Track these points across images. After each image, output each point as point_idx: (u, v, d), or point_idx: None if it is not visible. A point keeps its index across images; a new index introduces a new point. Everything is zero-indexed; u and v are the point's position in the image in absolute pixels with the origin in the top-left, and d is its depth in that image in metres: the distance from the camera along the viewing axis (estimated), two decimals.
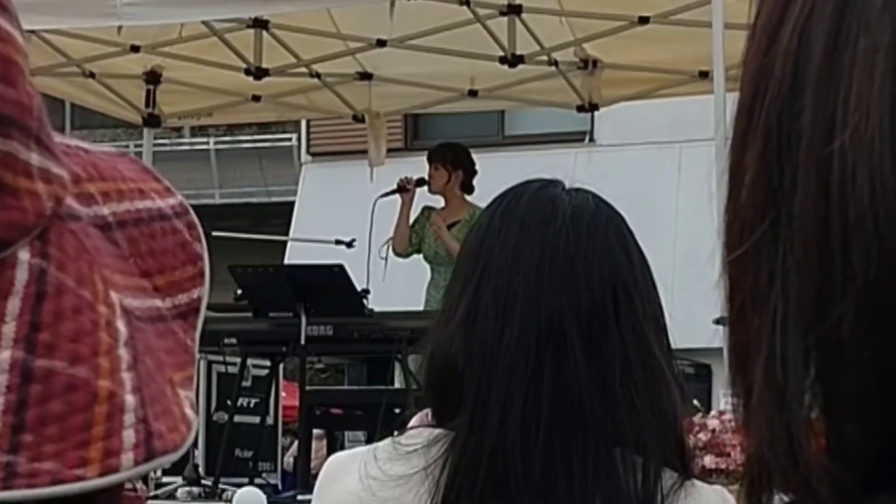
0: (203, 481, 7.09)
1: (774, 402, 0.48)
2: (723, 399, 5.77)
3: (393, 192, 7.61)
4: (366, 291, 7.21)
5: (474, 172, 7.61)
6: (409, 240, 7.59)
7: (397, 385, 7.31)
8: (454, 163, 7.59)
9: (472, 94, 8.24)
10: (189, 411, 0.66)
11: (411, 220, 7.68)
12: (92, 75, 7.85)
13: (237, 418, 7.51)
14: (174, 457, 0.64)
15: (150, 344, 0.66)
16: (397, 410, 6.10)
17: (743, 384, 0.49)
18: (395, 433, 1.65)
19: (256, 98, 8.27)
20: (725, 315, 0.51)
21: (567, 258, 1.60)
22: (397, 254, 7.66)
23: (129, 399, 0.62)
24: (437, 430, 1.59)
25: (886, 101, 0.45)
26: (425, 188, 7.63)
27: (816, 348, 0.47)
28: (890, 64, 0.45)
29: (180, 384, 0.67)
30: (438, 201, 7.70)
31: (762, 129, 0.49)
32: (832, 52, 0.47)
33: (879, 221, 0.45)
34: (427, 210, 7.64)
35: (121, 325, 0.64)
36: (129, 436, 0.62)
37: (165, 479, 7.60)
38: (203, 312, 0.73)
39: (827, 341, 0.47)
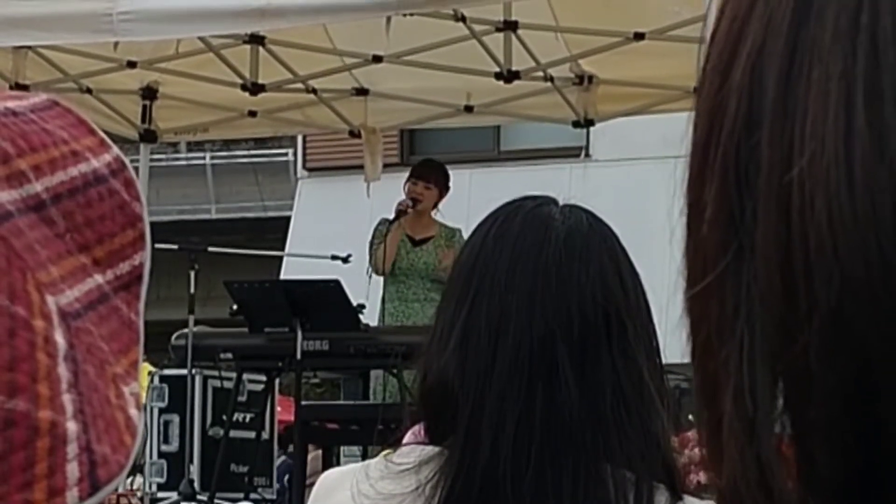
0: (199, 496, 7.08)
1: (745, 431, 0.48)
2: None
3: (397, 219, 7.59)
4: (361, 306, 7.21)
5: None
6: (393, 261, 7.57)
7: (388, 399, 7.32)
8: (445, 184, 7.62)
9: (468, 109, 8.24)
10: (133, 412, 0.64)
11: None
12: (88, 91, 7.86)
13: (233, 433, 7.50)
14: (118, 482, 0.62)
15: (91, 341, 0.64)
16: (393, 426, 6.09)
17: (712, 418, 0.50)
18: (389, 450, 1.66)
19: (253, 113, 8.28)
20: (689, 352, 0.51)
21: (560, 283, 1.60)
22: (379, 273, 7.56)
23: (72, 426, 0.60)
24: (429, 449, 1.60)
25: (841, 128, 0.46)
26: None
27: (784, 376, 0.48)
28: (843, 92, 0.46)
29: (125, 376, 0.65)
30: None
31: (720, 164, 0.49)
32: (786, 83, 0.48)
33: (838, 248, 0.46)
34: (387, 222, 7.58)
35: (59, 337, 0.62)
36: (72, 470, 0.59)
37: (161, 495, 7.60)
38: (146, 279, 0.70)
39: (794, 369, 0.47)
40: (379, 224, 7.65)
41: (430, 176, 7.59)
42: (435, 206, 7.60)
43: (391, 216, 7.53)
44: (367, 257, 7.60)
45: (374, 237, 7.64)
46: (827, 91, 0.46)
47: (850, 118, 0.46)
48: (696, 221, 0.51)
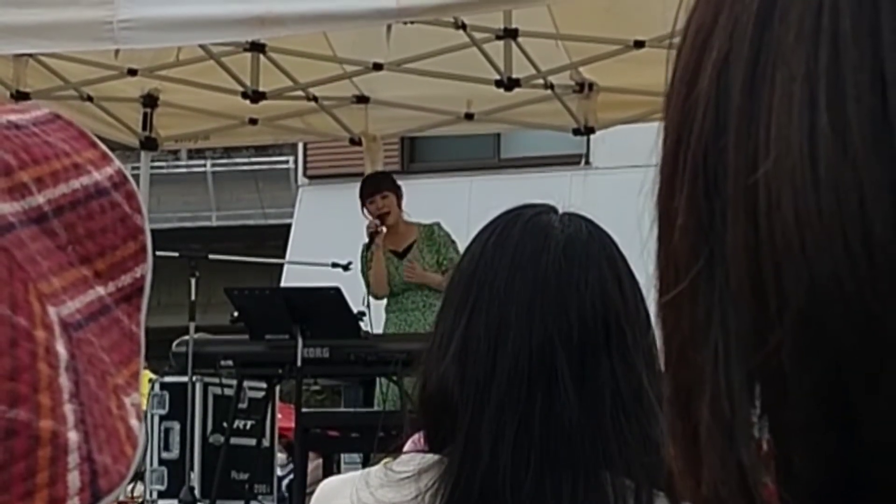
0: None
1: (724, 437, 0.48)
2: None
3: (371, 242, 7.57)
4: (362, 314, 7.22)
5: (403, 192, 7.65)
6: (388, 280, 7.56)
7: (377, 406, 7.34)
8: (395, 185, 7.59)
9: (469, 116, 8.25)
10: (134, 423, 0.64)
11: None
12: (89, 98, 7.86)
13: (233, 440, 7.50)
14: (119, 492, 0.62)
15: (92, 352, 0.64)
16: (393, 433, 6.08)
17: (687, 427, 0.50)
18: (389, 457, 1.66)
19: (253, 121, 8.28)
20: (662, 360, 0.52)
21: (559, 292, 1.60)
22: (379, 297, 7.57)
23: (73, 436, 0.60)
24: (429, 457, 1.60)
25: (805, 129, 0.46)
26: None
27: (759, 379, 0.48)
28: (806, 93, 0.47)
29: (126, 387, 0.65)
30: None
31: (689, 171, 0.50)
32: (751, 86, 0.48)
33: (806, 248, 0.46)
34: (369, 246, 7.57)
35: (60, 347, 0.62)
36: (73, 479, 0.59)
37: (161, 502, 7.59)
38: (147, 291, 0.70)
39: (768, 371, 0.47)
40: (364, 250, 7.64)
41: (381, 188, 7.54)
42: (400, 209, 7.57)
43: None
44: (364, 287, 7.58)
45: (362, 265, 7.63)
46: (791, 92, 0.47)
47: (813, 118, 0.46)
48: (667, 230, 0.51)
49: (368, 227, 7.51)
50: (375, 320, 7.43)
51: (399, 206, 7.53)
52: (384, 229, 7.50)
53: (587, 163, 13.85)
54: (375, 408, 7.32)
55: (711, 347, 0.48)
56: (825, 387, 0.46)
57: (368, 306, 7.43)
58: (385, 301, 7.60)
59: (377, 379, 7.39)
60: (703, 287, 0.49)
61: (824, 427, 0.46)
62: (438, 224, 7.54)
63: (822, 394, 0.46)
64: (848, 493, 0.47)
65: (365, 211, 7.55)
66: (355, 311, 7.10)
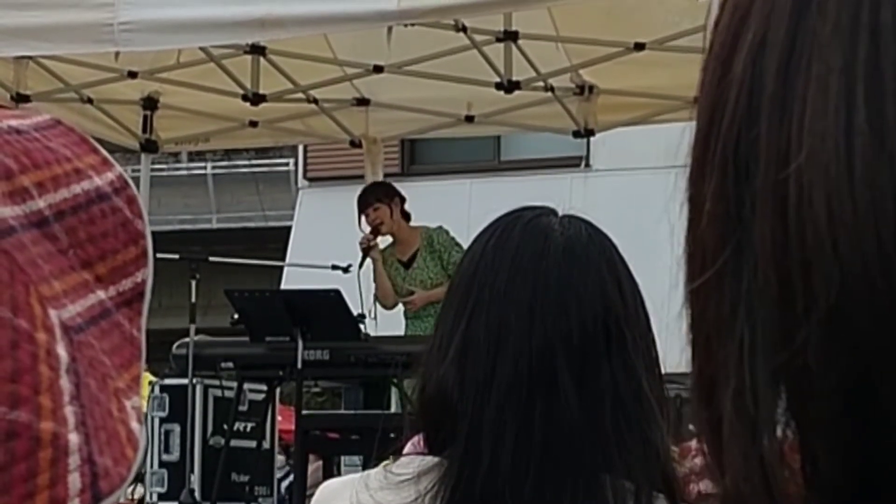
0: None
1: (747, 432, 0.47)
2: None
3: (364, 258, 7.56)
4: (362, 316, 7.22)
5: (404, 199, 7.57)
6: (395, 290, 7.54)
7: (393, 409, 7.32)
8: (387, 195, 7.52)
9: (469, 119, 8.25)
10: (135, 426, 0.64)
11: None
12: (90, 101, 7.86)
13: (233, 443, 7.50)
14: (119, 494, 0.62)
15: (93, 355, 0.64)
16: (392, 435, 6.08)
17: (711, 418, 0.49)
18: (389, 459, 1.66)
19: (254, 123, 8.28)
20: (689, 347, 0.51)
21: (559, 294, 1.60)
22: (388, 308, 7.56)
23: (73, 438, 0.60)
24: (429, 459, 1.60)
25: (841, 123, 0.45)
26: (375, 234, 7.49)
27: (784, 375, 0.47)
28: (843, 86, 0.46)
29: (126, 390, 0.65)
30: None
31: (719, 157, 0.49)
32: (785, 76, 0.47)
33: (838, 246, 0.45)
34: (362, 262, 7.56)
35: (61, 350, 0.62)
36: (74, 481, 0.60)
37: None
38: (148, 296, 0.70)
39: (794, 368, 0.47)
40: (359, 266, 7.62)
41: (371, 199, 7.50)
42: (405, 216, 7.54)
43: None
44: (371, 293, 7.57)
45: (374, 275, 7.61)
46: (827, 85, 0.46)
47: (850, 113, 0.45)
48: (696, 215, 0.50)
49: (361, 244, 7.50)
50: (376, 323, 7.43)
51: (394, 214, 7.47)
52: (378, 242, 7.49)
53: (587, 165, 13.85)
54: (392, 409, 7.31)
55: (737, 341, 0.47)
56: (852, 384, 0.45)
57: (364, 310, 7.42)
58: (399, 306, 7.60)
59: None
60: (729, 279, 0.48)
61: (850, 425, 0.46)
62: (439, 228, 7.51)
63: (848, 391, 0.45)
64: (873, 491, 0.46)
65: (362, 223, 7.54)
66: (355, 313, 7.10)
